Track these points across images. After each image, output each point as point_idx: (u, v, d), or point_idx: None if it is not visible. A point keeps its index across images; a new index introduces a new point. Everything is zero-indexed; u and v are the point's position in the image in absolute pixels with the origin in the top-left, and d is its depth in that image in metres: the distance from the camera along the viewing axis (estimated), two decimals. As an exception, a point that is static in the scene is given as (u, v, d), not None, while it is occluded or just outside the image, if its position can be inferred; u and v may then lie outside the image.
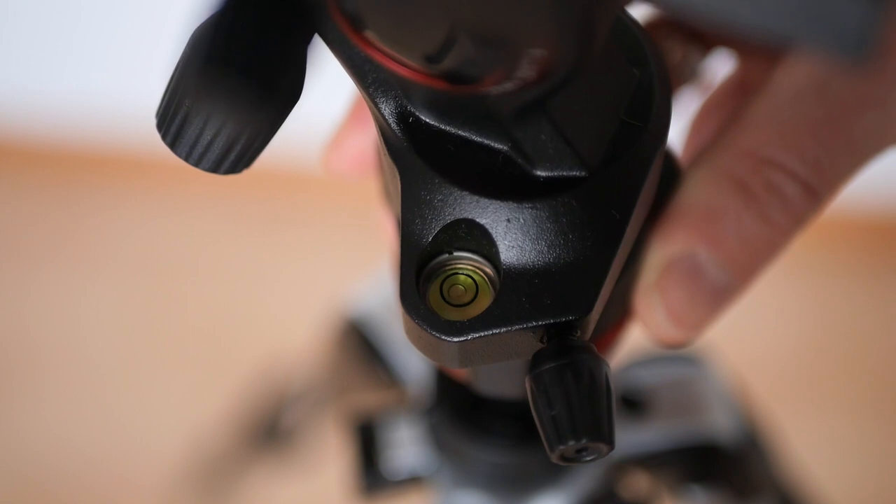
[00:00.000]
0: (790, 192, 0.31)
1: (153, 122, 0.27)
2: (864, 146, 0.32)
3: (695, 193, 0.32)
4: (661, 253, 0.33)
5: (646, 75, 0.29)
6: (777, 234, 0.32)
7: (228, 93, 0.23)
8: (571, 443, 0.27)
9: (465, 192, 0.28)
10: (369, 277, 0.56)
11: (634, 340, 0.39)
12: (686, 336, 0.34)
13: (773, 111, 0.32)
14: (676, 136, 0.41)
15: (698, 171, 0.32)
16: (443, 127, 0.28)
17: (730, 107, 0.43)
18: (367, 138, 0.37)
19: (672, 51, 0.41)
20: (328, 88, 0.46)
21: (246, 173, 0.28)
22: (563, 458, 0.27)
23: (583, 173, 0.28)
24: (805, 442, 0.69)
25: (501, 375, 0.35)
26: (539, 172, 0.28)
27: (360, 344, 0.54)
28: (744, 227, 0.32)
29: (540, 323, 0.28)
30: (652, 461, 0.47)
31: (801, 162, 0.31)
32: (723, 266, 0.32)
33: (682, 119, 0.44)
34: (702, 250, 0.32)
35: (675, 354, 0.47)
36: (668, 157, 0.33)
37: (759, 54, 0.39)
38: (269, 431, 0.89)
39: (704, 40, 0.41)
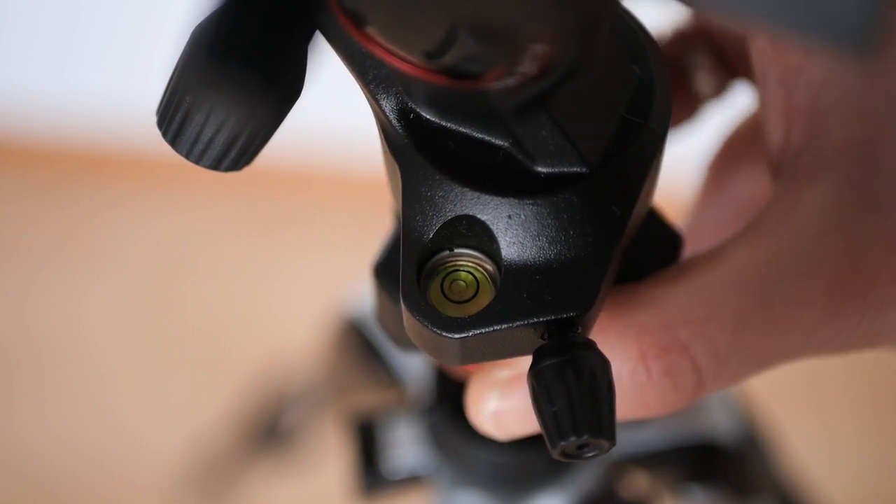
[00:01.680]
0: (682, 383, 0.30)
1: (153, 121, 0.27)
2: (773, 361, 0.31)
3: (599, 333, 0.31)
4: (517, 361, 0.32)
5: (646, 72, 0.29)
6: (642, 413, 0.31)
7: (231, 86, 0.23)
8: (573, 439, 0.27)
9: (465, 189, 0.28)
10: (369, 277, 0.56)
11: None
12: (493, 434, 0.33)
13: (713, 292, 0.30)
14: (681, 143, 0.41)
15: (611, 317, 0.31)
16: (443, 123, 0.28)
17: (749, 153, 0.42)
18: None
19: (700, 65, 0.40)
20: (329, 88, 0.46)
21: (246, 173, 0.28)
22: (565, 454, 0.27)
23: (584, 170, 0.28)
24: (804, 441, 0.69)
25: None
26: (540, 169, 0.28)
27: (359, 344, 0.54)
28: (619, 393, 0.30)
29: (541, 319, 0.28)
30: (651, 460, 0.47)
31: (710, 357, 0.30)
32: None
33: (702, 134, 0.44)
34: None
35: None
36: (664, 224, 0.33)
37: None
38: (269, 431, 0.89)
39: (736, 64, 0.40)
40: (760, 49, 0.32)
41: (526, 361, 0.30)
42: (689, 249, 0.39)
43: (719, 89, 0.41)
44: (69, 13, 1.24)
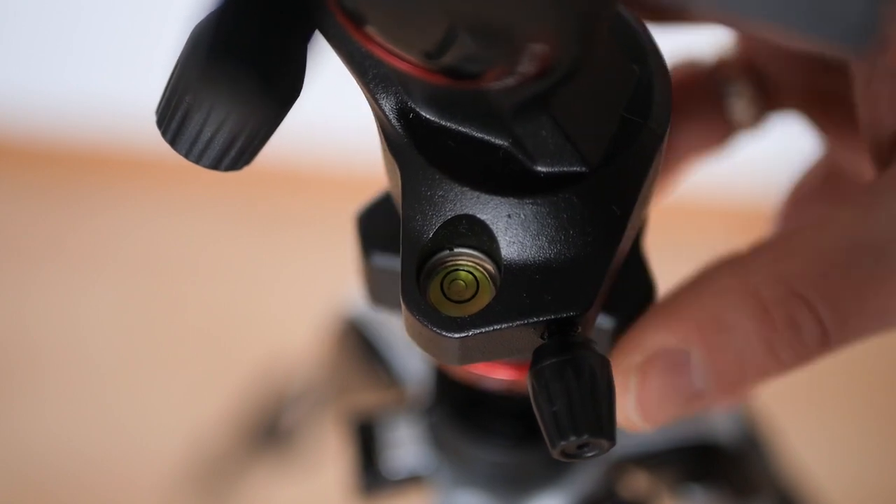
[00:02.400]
0: (808, 332, 0.31)
1: (153, 121, 0.27)
2: (893, 321, 0.31)
3: (713, 297, 0.31)
4: (655, 338, 0.32)
5: (646, 72, 0.29)
6: (774, 367, 0.31)
7: (230, 85, 0.23)
8: (573, 438, 0.27)
9: (465, 188, 0.28)
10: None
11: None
12: (641, 428, 0.33)
13: (828, 251, 0.31)
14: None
15: (725, 278, 0.31)
16: (443, 123, 0.28)
17: (821, 199, 0.42)
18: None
19: (740, 94, 0.40)
20: (329, 88, 0.46)
21: (246, 172, 0.28)
22: (565, 454, 0.27)
23: (583, 169, 0.28)
24: (804, 441, 0.69)
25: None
26: (540, 168, 0.28)
27: (359, 344, 0.54)
28: (747, 349, 0.31)
29: (540, 319, 0.28)
30: (651, 460, 0.47)
31: (832, 312, 0.31)
32: (709, 375, 0.31)
33: (726, 161, 0.44)
34: (696, 352, 0.31)
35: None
36: (644, 270, 0.33)
37: (847, 135, 0.38)
38: (269, 431, 0.89)
39: (777, 95, 0.40)
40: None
41: (648, 338, 0.31)
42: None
43: (756, 120, 0.41)
44: (69, 13, 1.24)
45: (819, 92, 0.39)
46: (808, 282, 0.31)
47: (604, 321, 0.32)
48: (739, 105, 0.40)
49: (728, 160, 0.45)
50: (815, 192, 0.43)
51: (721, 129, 0.41)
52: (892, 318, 0.31)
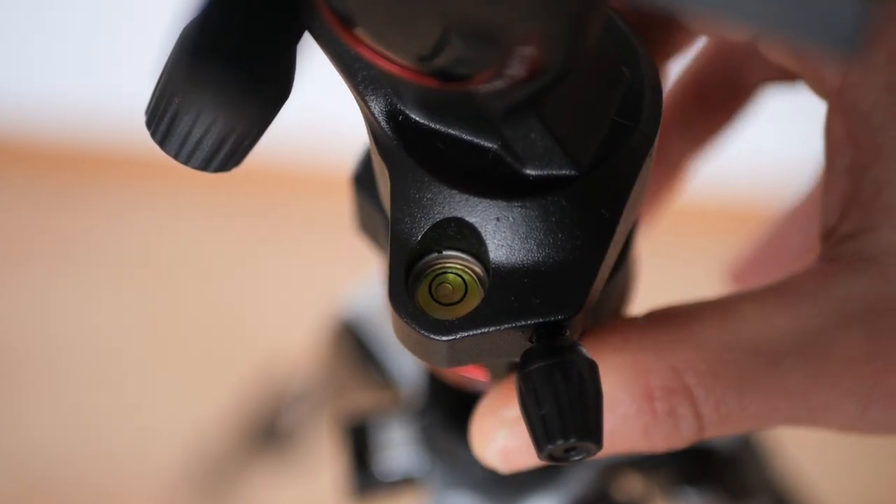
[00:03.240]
0: (684, 426, 0.31)
1: (147, 122, 0.27)
2: (769, 424, 0.32)
3: (604, 372, 0.31)
4: None
5: (636, 75, 0.29)
6: (644, 447, 0.32)
7: (215, 87, 0.23)
8: (560, 442, 0.27)
9: (454, 191, 0.28)
10: (364, 279, 0.56)
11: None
12: (498, 468, 0.34)
13: (724, 347, 0.31)
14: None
15: (620, 355, 0.31)
16: (432, 125, 0.28)
17: (812, 216, 0.42)
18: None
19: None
20: (329, 88, 0.46)
21: (246, 173, 0.28)
22: (552, 457, 0.27)
23: (573, 172, 0.28)
24: (798, 444, 0.69)
25: None
26: (529, 171, 0.28)
27: (353, 345, 0.54)
28: (623, 429, 0.31)
29: (529, 322, 0.28)
30: (645, 463, 0.47)
31: (713, 410, 0.31)
32: None
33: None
34: None
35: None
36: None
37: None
38: (268, 432, 0.89)
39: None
40: (835, 134, 0.33)
41: None
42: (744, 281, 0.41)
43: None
44: (71, 13, 1.24)
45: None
46: (698, 376, 0.31)
47: None
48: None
49: (724, 161, 0.45)
50: (803, 224, 0.44)
51: (708, 126, 0.41)
52: (771, 423, 0.32)
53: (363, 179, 0.34)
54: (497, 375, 0.35)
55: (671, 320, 0.32)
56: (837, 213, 0.32)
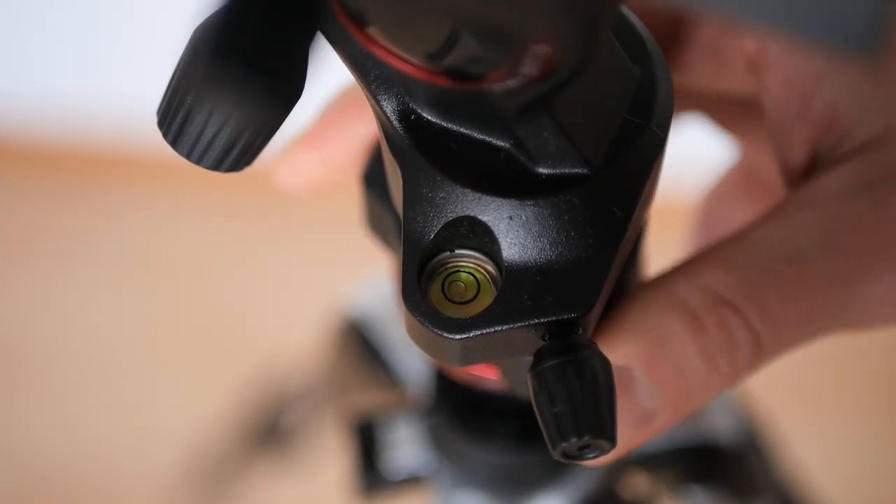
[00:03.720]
0: (741, 337, 0.31)
1: (153, 122, 0.27)
2: (822, 323, 0.32)
3: (645, 312, 0.31)
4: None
5: (648, 73, 0.29)
6: (715, 378, 0.31)
7: (235, 86, 0.23)
8: (574, 440, 0.27)
9: (466, 190, 0.28)
10: (369, 278, 0.56)
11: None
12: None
13: (748, 260, 0.31)
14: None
15: (652, 294, 0.31)
16: (445, 124, 0.28)
17: (739, 201, 0.43)
18: (318, 163, 0.38)
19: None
20: (331, 88, 0.46)
21: (247, 173, 0.28)
22: (566, 455, 0.27)
23: (585, 171, 0.28)
24: (805, 443, 0.69)
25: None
26: (541, 170, 0.28)
27: (359, 344, 0.54)
28: (685, 359, 0.31)
29: (542, 321, 0.28)
30: (652, 461, 0.47)
31: (761, 317, 0.31)
32: (654, 391, 0.31)
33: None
34: (637, 367, 0.31)
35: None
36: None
37: (760, 143, 0.39)
38: (270, 432, 0.89)
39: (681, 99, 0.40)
40: (774, 89, 0.33)
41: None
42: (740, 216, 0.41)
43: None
44: (74, 13, 1.24)
45: (725, 98, 0.39)
46: (733, 289, 0.31)
47: None
48: None
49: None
50: (732, 195, 0.44)
51: None
52: (819, 324, 0.32)
53: (372, 178, 0.34)
54: (507, 374, 0.35)
55: (693, 257, 0.32)
56: (804, 149, 0.33)
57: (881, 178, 0.32)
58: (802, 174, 0.33)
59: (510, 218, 0.28)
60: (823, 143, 0.33)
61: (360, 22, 0.25)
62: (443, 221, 0.28)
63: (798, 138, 0.33)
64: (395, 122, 0.28)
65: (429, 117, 0.28)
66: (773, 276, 0.31)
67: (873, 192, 0.31)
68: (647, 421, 0.32)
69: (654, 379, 0.31)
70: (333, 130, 0.37)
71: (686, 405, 0.31)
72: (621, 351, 0.31)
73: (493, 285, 0.29)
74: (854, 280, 0.31)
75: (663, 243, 0.40)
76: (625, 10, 0.30)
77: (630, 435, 0.32)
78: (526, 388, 0.28)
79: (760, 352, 0.31)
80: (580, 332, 0.28)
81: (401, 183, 0.29)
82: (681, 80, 0.36)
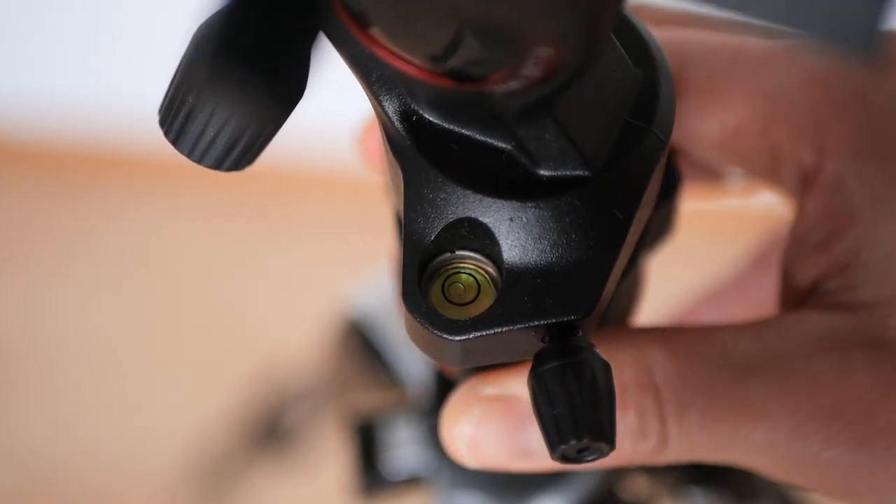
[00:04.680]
0: (651, 429, 0.31)
1: (153, 121, 0.27)
2: (735, 448, 0.32)
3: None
4: (513, 383, 0.32)
5: (650, 76, 0.29)
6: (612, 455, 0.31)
7: (238, 85, 0.23)
8: (573, 442, 0.27)
9: (467, 191, 0.28)
10: (370, 278, 0.56)
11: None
12: (466, 461, 0.33)
13: (700, 355, 0.31)
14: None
15: (605, 344, 0.31)
16: (446, 125, 0.28)
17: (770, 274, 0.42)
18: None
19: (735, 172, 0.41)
20: (330, 89, 0.46)
21: (248, 173, 0.28)
22: (565, 457, 0.27)
23: (586, 173, 0.28)
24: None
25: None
26: (542, 172, 0.28)
27: (360, 344, 0.54)
28: None
29: (542, 323, 0.28)
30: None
31: (678, 417, 0.31)
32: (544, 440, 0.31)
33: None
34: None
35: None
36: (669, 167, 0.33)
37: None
38: (270, 431, 0.89)
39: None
40: (810, 210, 0.34)
41: (514, 381, 0.31)
42: (720, 317, 0.42)
43: (747, 190, 0.41)
44: (65, 12, 1.24)
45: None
46: (668, 380, 0.31)
47: None
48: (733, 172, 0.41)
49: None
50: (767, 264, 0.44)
51: (711, 174, 0.41)
52: (729, 449, 0.32)
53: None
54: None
55: (652, 331, 0.32)
56: (812, 274, 0.33)
57: (861, 342, 0.31)
58: (797, 295, 0.34)
59: (511, 219, 0.28)
60: (830, 279, 0.33)
61: (363, 22, 0.25)
62: (444, 223, 0.28)
63: (810, 263, 0.33)
64: (397, 123, 0.28)
65: (430, 118, 0.28)
66: (710, 385, 0.31)
67: (845, 355, 0.31)
68: (523, 456, 0.32)
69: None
70: None
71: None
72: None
73: (493, 287, 0.29)
74: (782, 428, 0.31)
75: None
76: (627, 12, 0.30)
77: (501, 460, 0.32)
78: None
79: (663, 450, 0.32)
80: (580, 334, 0.28)
81: (402, 184, 0.29)
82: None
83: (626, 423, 0.31)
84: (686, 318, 0.46)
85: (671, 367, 0.31)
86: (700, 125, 0.34)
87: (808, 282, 0.33)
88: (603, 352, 0.29)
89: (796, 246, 0.34)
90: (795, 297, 0.34)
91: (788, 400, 0.31)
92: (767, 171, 0.35)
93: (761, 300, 0.44)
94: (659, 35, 0.30)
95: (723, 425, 0.31)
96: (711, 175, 0.41)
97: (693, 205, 0.41)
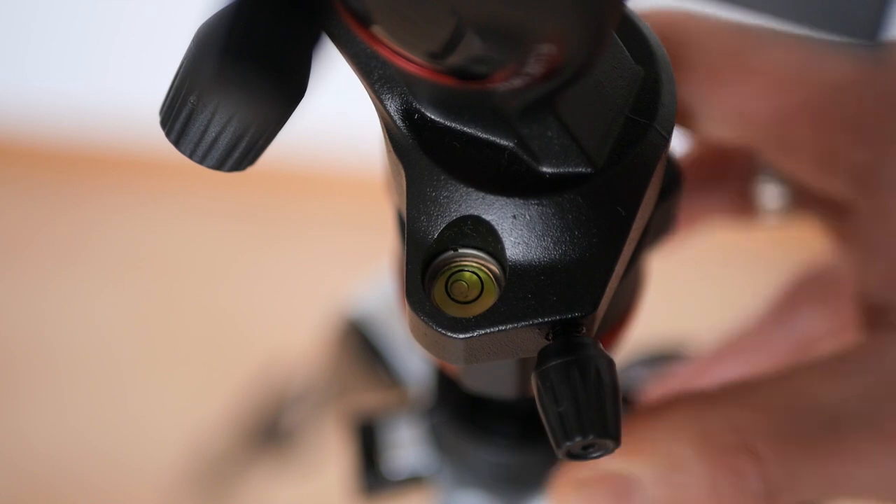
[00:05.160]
0: (754, 486, 0.31)
1: (154, 122, 0.27)
2: (842, 490, 0.31)
3: (669, 432, 0.31)
4: (609, 458, 0.32)
5: (651, 72, 0.29)
6: (710, 501, 0.31)
7: (244, 85, 0.23)
8: (578, 439, 0.27)
9: (470, 189, 0.28)
10: (370, 277, 0.56)
11: (632, 339, 0.39)
12: None
13: (784, 409, 0.31)
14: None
15: (681, 416, 0.31)
16: (448, 124, 0.28)
17: (814, 305, 0.42)
18: None
19: (772, 181, 0.40)
20: (330, 89, 0.46)
21: (248, 173, 0.28)
22: (570, 454, 0.27)
23: (589, 170, 0.28)
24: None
25: (493, 374, 0.35)
26: (545, 169, 0.28)
27: (360, 344, 0.54)
28: (694, 491, 0.31)
29: (545, 320, 0.28)
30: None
31: (781, 469, 0.31)
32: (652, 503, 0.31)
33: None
34: (646, 484, 0.31)
35: (671, 353, 0.47)
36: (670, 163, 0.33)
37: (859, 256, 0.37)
38: (270, 432, 0.89)
39: (805, 198, 0.39)
40: (870, 216, 0.33)
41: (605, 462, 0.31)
42: (740, 370, 0.41)
43: (781, 212, 0.41)
44: (65, 12, 1.24)
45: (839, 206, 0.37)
46: (762, 437, 0.31)
47: None
48: (768, 191, 0.40)
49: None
50: (813, 288, 0.43)
51: (745, 207, 0.40)
52: (839, 489, 0.31)
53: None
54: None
55: (734, 389, 0.32)
56: (887, 290, 0.32)
57: None
58: (882, 312, 0.33)
59: (514, 217, 0.28)
60: None
61: (364, 21, 0.25)
62: (446, 221, 0.28)
63: (883, 270, 0.33)
64: (399, 122, 0.28)
65: (433, 117, 0.28)
66: (807, 435, 0.31)
67: None
68: None
69: (658, 500, 0.31)
70: None
71: None
72: (636, 462, 0.31)
73: (496, 285, 0.29)
74: (883, 462, 0.31)
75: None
76: (629, 9, 0.30)
77: None
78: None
79: (771, 498, 0.31)
80: (584, 331, 0.28)
81: (404, 182, 0.29)
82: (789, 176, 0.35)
83: (727, 485, 0.31)
84: (703, 373, 0.45)
85: (763, 425, 0.31)
86: (755, 104, 0.34)
87: (889, 295, 0.33)
88: (689, 416, 0.30)
89: (868, 254, 0.33)
90: (879, 315, 0.33)
91: (884, 435, 0.31)
92: (816, 166, 0.34)
93: (784, 352, 0.43)
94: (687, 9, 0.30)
95: (826, 470, 0.31)
96: (747, 207, 0.40)
97: (728, 235, 0.41)
